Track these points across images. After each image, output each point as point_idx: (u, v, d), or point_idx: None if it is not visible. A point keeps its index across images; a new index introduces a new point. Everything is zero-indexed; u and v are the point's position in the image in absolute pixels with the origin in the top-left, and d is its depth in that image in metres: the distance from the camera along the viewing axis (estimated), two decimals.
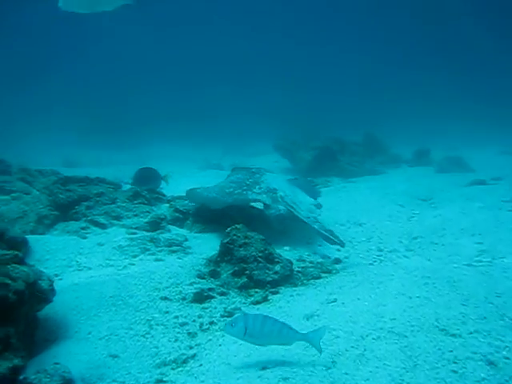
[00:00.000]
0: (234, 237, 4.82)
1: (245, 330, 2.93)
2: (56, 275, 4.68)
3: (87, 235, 5.64)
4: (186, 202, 6.80)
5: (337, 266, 4.99)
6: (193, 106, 35.13)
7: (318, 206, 7.57)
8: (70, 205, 6.30)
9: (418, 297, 3.69)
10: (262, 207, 6.53)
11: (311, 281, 4.60)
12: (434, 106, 28.54)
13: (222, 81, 40.71)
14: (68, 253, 5.15)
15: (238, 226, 4.94)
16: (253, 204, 6.43)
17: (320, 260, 5.22)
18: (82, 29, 44.24)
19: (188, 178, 12.48)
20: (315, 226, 5.66)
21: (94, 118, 27.43)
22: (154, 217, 6.16)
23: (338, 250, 5.62)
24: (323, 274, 4.76)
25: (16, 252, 3.30)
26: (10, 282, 2.86)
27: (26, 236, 5.40)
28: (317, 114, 26.95)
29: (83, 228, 5.74)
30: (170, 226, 6.28)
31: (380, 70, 38.08)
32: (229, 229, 4.96)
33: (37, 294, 3.17)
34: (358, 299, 3.79)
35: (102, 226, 5.89)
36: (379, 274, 4.51)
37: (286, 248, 5.58)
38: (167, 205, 6.88)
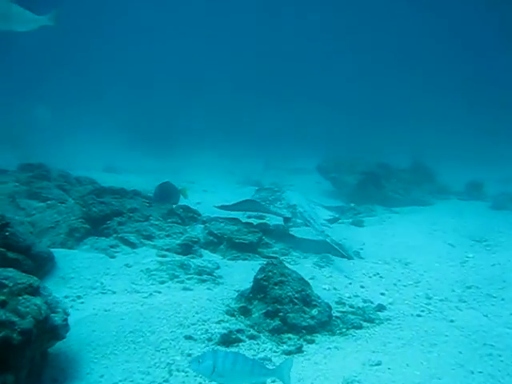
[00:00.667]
0: (270, 273, 4.40)
1: (213, 368, 2.65)
2: (78, 297, 4.42)
3: (116, 254, 5.37)
4: (222, 224, 6.47)
5: (380, 315, 4.47)
6: (238, 118, 35.23)
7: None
8: (103, 219, 6.09)
9: (480, 372, 3.14)
10: (281, 222, 7.08)
11: (351, 331, 4.12)
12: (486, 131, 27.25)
13: (269, 95, 40.70)
14: (94, 272, 4.89)
15: (274, 262, 4.53)
16: None
17: (361, 305, 4.72)
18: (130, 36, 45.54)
19: (227, 193, 12.21)
20: (328, 240, 6.28)
21: (141, 127, 27.83)
22: (187, 239, 5.85)
23: (382, 294, 5.10)
24: (365, 324, 4.26)
25: (31, 280, 3.02)
26: (16, 319, 2.57)
27: (54, 250, 5.22)
28: (364, 135, 26.30)
29: (112, 246, 5.49)
30: (203, 251, 5.95)
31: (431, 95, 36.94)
32: (265, 263, 4.56)
33: (48, 330, 2.86)
34: (407, 366, 3.28)
35: (132, 246, 5.63)
36: (430, 331, 3.98)
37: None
38: (202, 226, 6.57)
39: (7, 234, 4.65)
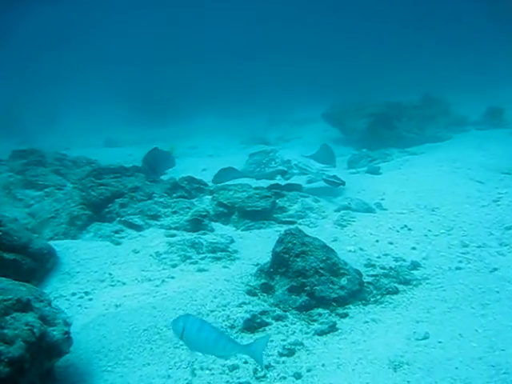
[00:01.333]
0: (289, 244, 3.97)
1: (182, 330, 2.56)
2: (86, 293, 4.07)
3: (122, 240, 4.98)
4: (231, 193, 6.01)
5: (416, 274, 4.05)
6: (237, 74, 34.01)
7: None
8: (104, 203, 5.67)
9: None
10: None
11: (387, 297, 3.72)
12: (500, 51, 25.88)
13: (267, 48, 39.14)
14: (100, 263, 4.52)
15: (292, 231, 4.09)
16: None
17: (393, 264, 4.29)
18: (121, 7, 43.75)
19: (232, 155, 11.68)
20: (323, 176, 6.68)
21: (137, 96, 26.94)
22: (196, 214, 5.42)
23: (414, 248, 4.67)
24: (401, 287, 3.85)
25: (20, 294, 2.62)
26: (2, 347, 2.18)
27: (55, 242, 4.86)
28: (370, 78, 25.18)
29: (117, 231, 5.09)
30: (214, 224, 5.53)
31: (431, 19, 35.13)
32: (282, 233, 4.12)
33: (46, 350, 2.49)
34: (461, 336, 2.87)
35: (138, 228, 5.23)
36: (476, 289, 3.56)
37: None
38: (210, 197, 6.13)
39: (0, 233, 4.27)
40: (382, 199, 6.46)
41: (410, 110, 13.04)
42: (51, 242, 4.92)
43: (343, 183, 6.59)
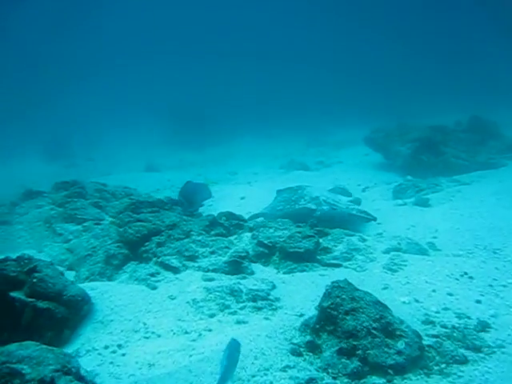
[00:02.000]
0: (338, 299, 3.60)
1: None
2: (119, 346, 3.82)
3: (157, 284, 4.74)
4: (271, 230, 5.70)
5: (487, 338, 3.56)
6: (277, 95, 34.00)
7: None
8: (140, 241, 5.49)
9: None
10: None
11: (454, 368, 3.25)
12: None
13: (308, 69, 39.07)
14: (135, 310, 4.29)
15: (341, 284, 3.72)
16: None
17: (456, 323, 3.82)
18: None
19: (271, 181, 11.39)
20: (353, 212, 6.73)
21: (178, 118, 27.24)
22: (235, 255, 5.13)
23: (478, 302, 4.17)
24: (469, 355, 3.37)
25: (42, 375, 2.38)
26: None
27: (90, 285, 4.68)
28: (411, 100, 24.55)
29: (153, 274, 4.86)
30: (254, 265, 5.22)
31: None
32: (329, 286, 3.76)
33: None
34: None
35: (175, 270, 4.98)
36: None
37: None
38: (249, 234, 5.83)
39: (35, 280, 4.13)
40: (435, 237, 5.98)
41: (457, 133, 12.42)
42: (86, 285, 4.76)
43: (374, 219, 6.75)
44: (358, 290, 3.71)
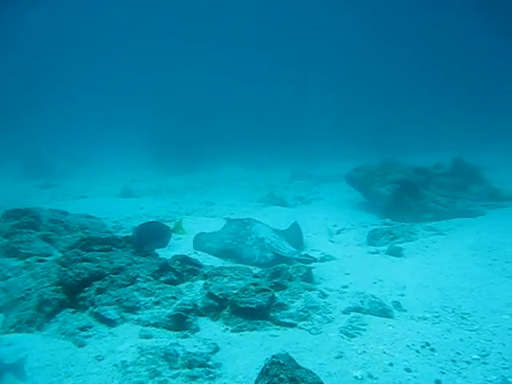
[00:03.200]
0: (275, 379, 3.15)
1: None
2: None
3: (87, 340, 4.24)
4: (226, 280, 5.27)
5: None
6: (264, 123, 33.93)
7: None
8: (80, 285, 5.00)
9: None
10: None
11: None
12: None
13: (297, 98, 39.22)
14: (53, 374, 3.77)
15: (281, 360, 3.27)
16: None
17: None
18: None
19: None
20: (295, 256, 7.07)
21: (161, 142, 26.95)
22: (180, 307, 4.67)
23: (437, 382, 3.74)
24: None
25: None
26: None
27: (10, 339, 4.20)
28: (395, 134, 24.56)
29: (84, 328, 4.36)
30: (201, 320, 4.76)
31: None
32: (268, 362, 3.31)
33: None
34: None
35: (110, 323, 4.49)
36: None
37: None
38: (202, 282, 5.38)
39: None
40: (402, 295, 5.58)
41: (438, 177, 12.21)
42: (4, 337, 4.26)
43: (315, 260, 7.02)
44: (299, 367, 3.27)
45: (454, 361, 4.05)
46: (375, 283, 5.97)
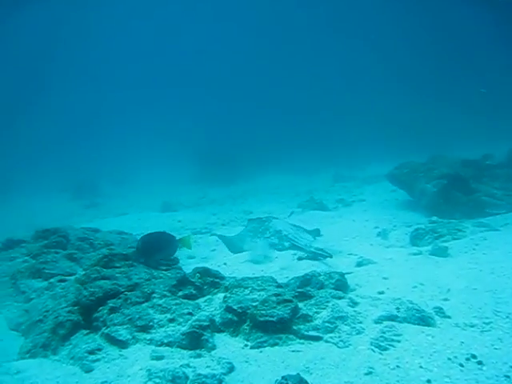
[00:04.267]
0: None
1: None
2: None
3: (95, 364, 3.99)
4: (247, 292, 4.91)
5: None
6: (306, 126, 33.37)
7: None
8: (94, 305, 4.80)
9: None
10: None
11: None
12: None
13: (342, 98, 38.33)
14: None
15: (290, 381, 2.86)
16: None
17: None
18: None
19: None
20: (311, 249, 7.35)
21: (206, 156, 26.94)
22: (195, 324, 4.35)
23: None
24: None
25: None
26: None
27: (19, 366, 4.03)
28: (440, 129, 23.30)
29: (92, 351, 4.12)
30: (218, 337, 4.41)
31: None
32: (278, 382, 2.91)
33: None
34: None
35: (121, 345, 4.24)
36: None
37: None
38: (222, 295, 5.04)
39: None
40: (445, 300, 4.98)
41: (492, 169, 11.26)
42: (17, 364, 4.11)
43: (330, 256, 7.04)
44: None
45: (507, 376, 3.45)
46: (415, 287, 5.39)
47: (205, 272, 5.43)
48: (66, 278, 5.90)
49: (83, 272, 6.03)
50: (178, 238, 5.92)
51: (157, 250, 5.71)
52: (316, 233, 8.81)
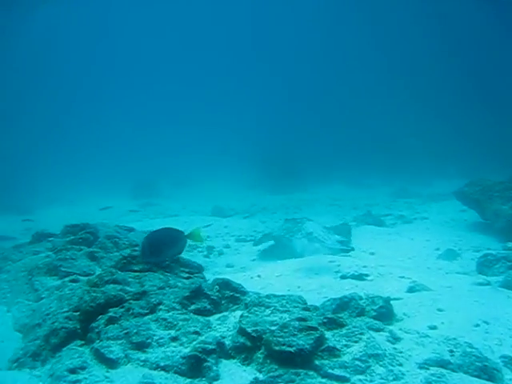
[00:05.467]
0: None
1: None
2: None
3: None
4: (267, 312, 4.16)
5: None
6: (371, 143, 31.84)
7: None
8: (95, 312, 4.27)
9: None
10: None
11: None
12: None
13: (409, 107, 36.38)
14: None
15: None
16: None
17: None
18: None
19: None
20: (336, 247, 7.76)
21: (267, 163, 26.35)
22: (199, 347, 3.66)
23: None
24: None
25: None
26: None
27: None
28: None
29: (74, 370, 3.51)
30: (225, 364, 3.69)
31: None
32: None
33: None
34: None
35: (110, 364, 3.62)
36: None
37: None
38: (240, 313, 4.33)
39: None
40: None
41: None
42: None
43: (353, 249, 7.82)
44: None
45: None
46: (477, 326, 4.36)
47: (225, 285, 4.74)
48: (81, 278, 5.45)
49: (98, 273, 5.60)
50: (186, 234, 5.32)
51: (165, 247, 5.14)
52: (346, 235, 9.16)
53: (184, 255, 9.34)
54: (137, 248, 6.44)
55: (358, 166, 26.57)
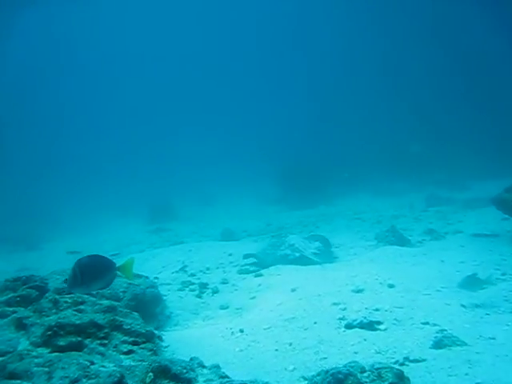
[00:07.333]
0: None
1: None
2: None
3: None
4: None
5: None
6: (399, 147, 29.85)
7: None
8: None
9: None
10: None
11: None
12: None
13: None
14: None
15: None
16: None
17: None
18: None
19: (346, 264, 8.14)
20: (315, 259, 8.61)
21: (288, 179, 24.89)
22: None
23: None
24: None
25: None
26: None
27: None
28: None
29: None
30: None
31: None
32: None
33: None
34: None
35: None
36: None
37: None
38: None
39: None
40: None
41: None
42: None
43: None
44: None
45: None
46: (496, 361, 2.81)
47: (162, 372, 3.36)
48: None
49: (30, 346, 4.34)
50: (117, 266, 4.09)
51: (99, 276, 3.96)
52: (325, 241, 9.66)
53: (172, 295, 8.25)
54: (82, 307, 5.16)
55: (385, 172, 24.76)
